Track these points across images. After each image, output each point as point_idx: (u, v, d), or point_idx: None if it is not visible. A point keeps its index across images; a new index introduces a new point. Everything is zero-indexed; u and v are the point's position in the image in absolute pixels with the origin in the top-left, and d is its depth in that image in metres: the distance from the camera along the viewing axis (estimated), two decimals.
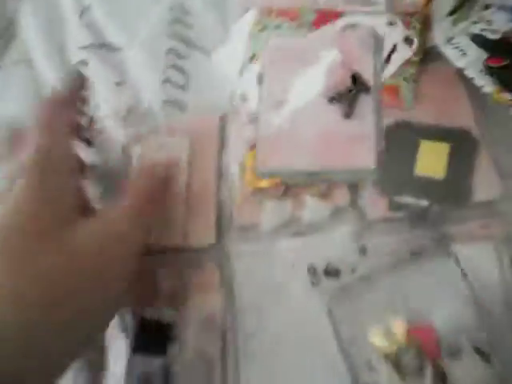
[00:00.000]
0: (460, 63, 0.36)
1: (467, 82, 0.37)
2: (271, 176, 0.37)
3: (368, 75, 0.38)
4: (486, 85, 0.35)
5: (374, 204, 0.35)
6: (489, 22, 0.37)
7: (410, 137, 0.36)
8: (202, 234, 0.37)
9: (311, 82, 0.39)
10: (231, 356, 0.34)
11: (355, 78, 0.37)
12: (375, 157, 0.35)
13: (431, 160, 0.35)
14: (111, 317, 0.31)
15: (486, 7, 0.37)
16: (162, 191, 0.34)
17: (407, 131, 0.36)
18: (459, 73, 0.37)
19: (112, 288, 0.29)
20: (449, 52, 0.37)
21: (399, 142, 0.36)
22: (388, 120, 0.37)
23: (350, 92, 0.37)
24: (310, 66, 0.40)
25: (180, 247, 0.37)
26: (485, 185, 0.34)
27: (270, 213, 0.37)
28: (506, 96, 0.34)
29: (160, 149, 0.42)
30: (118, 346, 0.36)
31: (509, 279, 0.31)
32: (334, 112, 0.37)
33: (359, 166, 0.36)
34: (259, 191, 0.37)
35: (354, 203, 0.36)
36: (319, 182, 0.37)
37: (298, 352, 0.33)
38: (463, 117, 0.36)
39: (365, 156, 0.36)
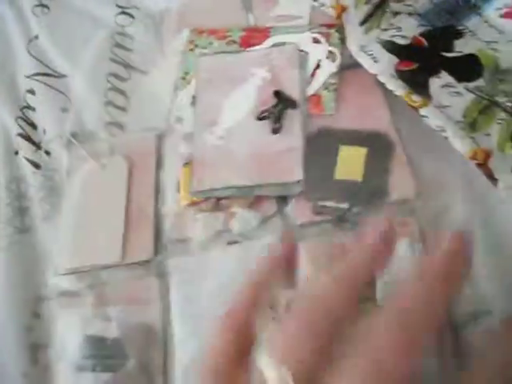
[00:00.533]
0: (373, 69, 0.37)
1: (385, 88, 0.39)
2: (206, 195, 0.38)
3: (294, 91, 0.40)
4: (397, 88, 0.36)
5: (300, 210, 0.37)
6: (398, 29, 0.39)
7: (331, 143, 0.38)
8: (141, 248, 0.39)
9: (242, 101, 0.41)
10: (171, 368, 0.35)
11: (278, 95, 0.39)
12: (302, 169, 0.37)
13: (350, 164, 0.37)
14: None
15: (395, 14, 0.39)
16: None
17: (328, 138, 0.38)
18: (377, 78, 0.39)
19: None
20: (362, 60, 0.39)
21: (321, 148, 0.38)
22: (312, 128, 0.39)
23: (276, 108, 0.39)
24: (240, 85, 0.42)
25: (119, 263, 0.38)
26: (400, 185, 0.35)
27: (203, 225, 0.38)
28: (416, 98, 0.35)
29: (102, 169, 0.43)
30: (63, 364, 0.37)
31: None
32: (264, 129, 0.39)
33: (287, 179, 0.37)
34: (192, 205, 0.39)
35: (280, 211, 0.37)
36: (251, 196, 0.38)
37: None
38: (380, 121, 0.38)
39: (292, 169, 0.37)
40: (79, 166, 0.44)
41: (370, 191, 0.35)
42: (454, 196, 0.34)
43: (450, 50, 0.37)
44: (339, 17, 0.40)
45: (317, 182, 0.37)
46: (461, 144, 0.33)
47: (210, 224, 0.38)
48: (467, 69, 0.36)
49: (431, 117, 0.34)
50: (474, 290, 0.32)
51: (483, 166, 0.32)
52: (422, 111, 0.35)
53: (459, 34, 0.37)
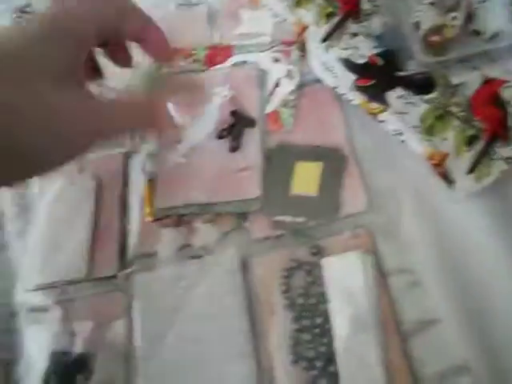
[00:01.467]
0: (333, 84, 0.39)
1: (342, 103, 0.40)
2: (168, 213, 0.39)
3: (253, 109, 0.41)
4: (355, 98, 0.38)
5: (258, 225, 0.38)
6: (356, 49, 0.41)
7: (287, 159, 0.39)
8: (106, 263, 0.40)
9: (205, 120, 0.42)
10: (134, 382, 0.36)
11: (236, 114, 0.40)
12: (260, 186, 0.38)
13: (305, 179, 0.38)
14: None
15: (353, 35, 0.41)
16: None
17: (285, 154, 0.39)
18: (335, 95, 0.40)
19: None
20: (323, 75, 0.40)
21: (278, 164, 0.39)
22: (271, 144, 0.40)
23: (233, 127, 0.40)
24: (203, 104, 0.43)
25: (85, 278, 0.39)
26: (352, 198, 0.36)
27: (166, 241, 0.39)
28: (374, 106, 0.37)
29: (71, 186, 0.44)
30: (31, 380, 0.38)
31: (372, 284, 0.33)
32: (224, 147, 0.40)
33: (246, 196, 0.38)
34: (156, 221, 0.40)
35: (239, 226, 0.38)
36: (212, 213, 0.39)
37: (193, 372, 0.35)
38: (336, 136, 0.39)
39: (251, 186, 0.38)
40: (50, 183, 0.45)
41: (324, 205, 0.36)
42: (405, 208, 0.35)
43: (404, 69, 0.39)
44: (300, 35, 0.41)
45: (274, 198, 0.38)
46: (417, 145, 0.35)
47: (173, 239, 0.39)
48: (420, 85, 0.38)
49: (389, 121, 0.36)
50: (422, 298, 0.32)
51: (439, 166, 0.34)
52: (381, 117, 0.37)
53: (411, 56, 0.38)
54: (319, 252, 0.36)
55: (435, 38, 0.37)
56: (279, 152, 0.40)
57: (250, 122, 0.40)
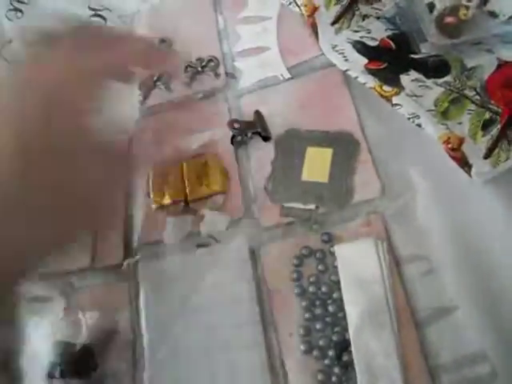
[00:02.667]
0: (344, 67, 0.38)
1: (352, 88, 0.39)
2: None
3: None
4: (369, 81, 0.37)
5: (267, 212, 0.37)
6: (367, 31, 0.39)
7: (298, 145, 0.38)
8: (111, 253, 0.39)
9: None
10: (141, 373, 0.35)
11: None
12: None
13: (316, 165, 0.37)
14: None
15: (364, 17, 0.40)
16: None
17: (296, 139, 0.38)
18: (345, 79, 0.39)
19: None
20: (333, 58, 0.39)
21: (288, 150, 0.38)
22: (279, 130, 0.39)
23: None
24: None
25: (89, 267, 0.38)
26: (365, 185, 0.35)
27: (172, 228, 0.38)
28: (387, 88, 0.36)
29: None
30: (34, 370, 0.37)
31: (386, 272, 0.32)
32: None
33: None
34: (161, 208, 0.39)
35: (248, 213, 0.37)
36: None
37: (202, 361, 0.34)
38: (347, 121, 0.38)
39: None
40: None
41: (335, 192, 0.36)
42: (420, 194, 0.34)
43: (417, 52, 0.37)
44: (311, 16, 0.40)
45: (284, 184, 0.37)
46: (434, 129, 0.33)
47: (180, 227, 0.38)
48: (435, 68, 0.37)
49: (404, 104, 0.35)
50: (437, 285, 0.32)
51: (456, 150, 0.33)
52: (395, 100, 0.35)
53: (424, 38, 0.37)
54: (331, 239, 0.35)
55: (450, 20, 0.36)
56: (289, 137, 0.39)
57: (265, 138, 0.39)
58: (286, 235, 0.36)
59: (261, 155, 0.39)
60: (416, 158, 0.35)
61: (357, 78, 0.37)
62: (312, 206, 0.36)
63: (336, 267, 0.34)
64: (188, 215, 0.38)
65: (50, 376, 0.36)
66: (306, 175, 0.37)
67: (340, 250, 0.34)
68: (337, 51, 0.39)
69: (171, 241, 0.38)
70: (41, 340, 0.38)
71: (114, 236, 0.39)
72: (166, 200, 0.39)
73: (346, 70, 0.38)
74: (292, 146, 0.38)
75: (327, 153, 0.37)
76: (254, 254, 0.36)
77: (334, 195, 0.36)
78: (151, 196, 0.39)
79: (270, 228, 0.37)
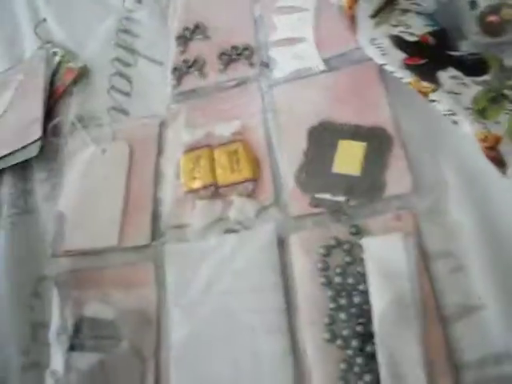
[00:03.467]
0: (381, 61, 0.37)
1: (386, 82, 0.39)
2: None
3: None
4: (406, 77, 0.36)
5: (297, 201, 0.37)
6: (407, 26, 0.39)
7: (331, 137, 0.38)
8: (137, 233, 0.39)
9: None
10: (164, 352, 0.36)
11: None
12: None
13: (348, 158, 0.37)
14: None
15: (404, 12, 0.39)
16: None
17: (328, 131, 0.38)
18: (379, 74, 0.39)
19: None
20: (371, 51, 0.38)
21: (320, 142, 0.38)
22: (312, 121, 0.39)
23: None
24: None
25: (116, 247, 0.39)
26: (397, 180, 0.35)
27: (201, 212, 0.39)
28: (425, 84, 0.35)
29: (103, 154, 0.44)
30: (57, 343, 0.38)
31: (414, 268, 0.32)
32: None
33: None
34: (191, 192, 0.39)
35: (278, 201, 0.38)
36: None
37: (225, 345, 0.35)
38: (380, 115, 0.38)
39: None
40: (81, 150, 0.45)
41: (367, 185, 0.36)
42: (453, 191, 0.34)
43: (456, 50, 0.37)
44: (350, 8, 0.40)
45: (315, 175, 0.37)
46: (471, 127, 0.33)
47: (209, 211, 0.39)
48: (473, 66, 0.36)
49: (441, 101, 0.34)
50: (465, 283, 0.32)
51: (492, 149, 0.32)
52: (432, 96, 0.35)
53: (464, 36, 0.37)
54: (359, 232, 0.35)
55: (492, 19, 0.35)
56: (322, 129, 0.39)
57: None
58: (314, 225, 0.36)
59: (293, 145, 0.39)
60: (449, 155, 0.35)
61: (393, 72, 0.37)
62: (342, 198, 0.36)
63: (363, 259, 0.34)
64: (217, 200, 0.39)
65: (73, 349, 0.37)
66: (337, 167, 0.37)
67: (368, 243, 0.34)
68: (375, 45, 0.38)
69: (200, 225, 0.38)
70: (65, 315, 0.38)
71: (143, 217, 0.40)
72: (197, 184, 0.39)
73: (383, 65, 0.38)
74: (325, 137, 0.38)
75: (360, 146, 0.37)
76: (281, 242, 0.36)
77: (365, 188, 0.36)
78: (181, 179, 0.40)
79: (298, 217, 0.37)
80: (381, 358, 0.31)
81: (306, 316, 0.34)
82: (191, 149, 0.41)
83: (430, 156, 0.36)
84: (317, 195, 0.37)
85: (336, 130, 0.38)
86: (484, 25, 0.36)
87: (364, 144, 0.37)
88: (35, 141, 0.45)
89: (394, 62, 0.37)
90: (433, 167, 0.35)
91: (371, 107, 0.38)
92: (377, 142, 0.37)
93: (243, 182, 0.38)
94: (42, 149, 0.45)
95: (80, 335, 0.37)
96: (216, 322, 0.35)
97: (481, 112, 0.34)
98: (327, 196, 0.36)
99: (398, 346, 0.31)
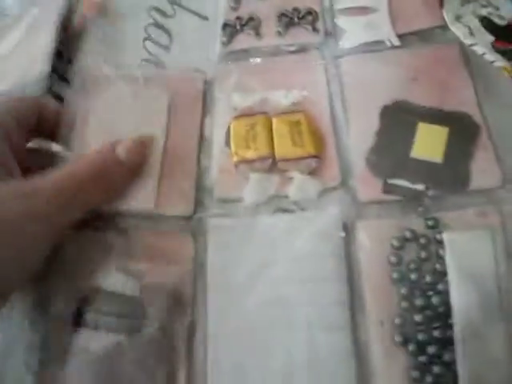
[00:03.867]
0: (469, 40, 0.35)
1: (471, 66, 0.36)
2: None
3: None
4: (497, 60, 0.34)
5: (367, 185, 0.33)
6: (496, 8, 0.36)
7: (408, 118, 0.34)
8: (178, 201, 0.34)
9: None
10: (199, 335, 0.31)
11: None
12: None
13: (429, 143, 0.33)
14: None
15: None
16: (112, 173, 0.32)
17: (405, 112, 0.35)
18: (463, 57, 0.36)
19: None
20: (457, 30, 0.36)
21: (396, 122, 0.34)
22: (384, 100, 0.35)
23: None
24: None
25: (151, 213, 0.33)
26: (484, 172, 0.32)
27: (254, 187, 0.34)
28: None
29: (135, 98, 0.37)
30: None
31: (502, 269, 0.29)
32: None
33: None
34: (244, 163, 0.34)
35: (344, 183, 0.33)
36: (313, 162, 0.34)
37: (271, 332, 0.30)
38: (465, 101, 0.34)
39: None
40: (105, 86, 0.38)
41: (450, 174, 0.32)
42: None
43: None
44: None
45: (389, 158, 0.33)
46: None
47: (263, 186, 0.34)
48: None
49: None
50: None
51: None
52: None
53: None
54: (437, 226, 0.31)
55: None
56: (397, 110, 0.35)
57: None
58: (385, 214, 0.32)
59: (363, 123, 0.35)
60: None
61: (484, 54, 0.34)
62: (421, 187, 0.32)
63: (441, 257, 0.30)
64: (275, 175, 0.34)
65: (94, 328, 0.31)
66: (416, 152, 0.33)
67: (451, 238, 0.30)
68: (461, 23, 0.36)
69: (252, 200, 0.34)
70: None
71: (185, 183, 0.34)
72: (251, 154, 0.34)
73: (472, 45, 0.35)
74: (400, 119, 0.34)
75: (442, 131, 0.33)
76: (346, 229, 0.32)
77: (448, 178, 0.32)
78: (232, 148, 0.35)
79: (368, 203, 0.33)
80: (461, 369, 0.28)
81: (373, 314, 0.30)
82: (244, 114, 0.36)
83: None
84: (391, 181, 0.33)
85: (414, 112, 0.34)
86: None
87: (446, 129, 0.33)
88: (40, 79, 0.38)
89: (483, 43, 0.34)
90: None
91: (453, 91, 0.35)
92: (461, 128, 0.33)
93: (306, 157, 0.34)
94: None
95: (100, 311, 0.31)
96: (266, 312, 0.31)
97: None
98: (404, 183, 0.32)
99: (483, 355, 0.28)
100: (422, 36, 0.38)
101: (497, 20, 0.36)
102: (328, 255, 0.32)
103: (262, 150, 0.34)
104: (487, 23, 0.36)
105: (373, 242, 0.32)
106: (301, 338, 0.30)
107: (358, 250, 0.32)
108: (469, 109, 0.34)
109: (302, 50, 0.39)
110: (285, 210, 0.34)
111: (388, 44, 0.38)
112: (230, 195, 0.34)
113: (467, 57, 0.36)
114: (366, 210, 0.33)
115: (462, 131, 0.33)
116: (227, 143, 0.35)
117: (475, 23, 0.36)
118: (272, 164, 0.34)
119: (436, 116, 0.34)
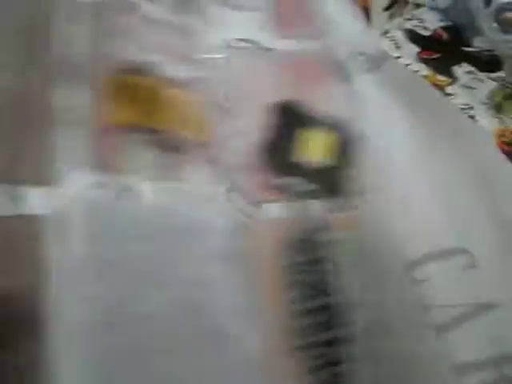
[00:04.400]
0: (395, 53, 0.37)
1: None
2: None
3: None
4: (421, 70, 0.36)
5: (257, 185, 0.31)
6: (420, 20, 0.38)
7: (293, 120, 0.33)
8: None
9: None
10: None
11: None
12: None
13: (315, 146, 0.32)
14: None
15: (417, 6, 0.39)
16: None
17: (290, 114, 0.33)
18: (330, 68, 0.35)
19: None
20: (385, 43, 0.38)
21: (282, 123, 0.33)
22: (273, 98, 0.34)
23: None
24: None
25: None
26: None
27: None
28: (441, 78, 0.35)
29: None
30: None
31: None
32: None
33: None
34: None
35: (233, 185, 0.31)
36: None
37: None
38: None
39: None
40: None
41: (335, 177, 0.32)
42: None
43: (470, 45, 0.36)
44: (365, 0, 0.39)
45: (277, 159, 0.32)
46: (488, 123, 0.33)
47: None
48: (487, 62, 0.36)
49: (457, 95, 0.35)
50: None
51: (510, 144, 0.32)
52: (448, 89, 0.35)
53: (477, 31, 0.35)
54: (327, 227, 0.29)
55: (510, 15, 0.33)
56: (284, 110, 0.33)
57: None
58: (275, 214, 0.30)
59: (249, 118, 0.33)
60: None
61: (408, 65, 0.36)
62: (310, 187, 0.31)
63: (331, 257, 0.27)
64: None
65: None
66: (301, 155, 0.32)
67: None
68: (388, 37, 0.38)
69: None
70: None
71: None
72: None
73: (398, 57, 0.37)
74: (287, 119, 0.33)
75: (326, 136, 0.32)
76: (238, 231, 0.29)
77: (333, 180, 0.32)
78: None
79: (259, 202, 0.30)
80: None
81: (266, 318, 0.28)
82: None
83: None
84: (282, 180, 0.31)
85: (298, 115, 0.33)
86: (500, 21, 0.34)
87: (330, 134, 0.32)
88: None
89: (408, 54, 0.37)
90: None
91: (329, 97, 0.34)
92: (346, 133, 0.33)
93: None
94: None
95: None
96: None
97: (497, 107, 0.34)
98: (294, 181, 0.31)
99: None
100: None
101: (422, 31, 0.37)
102: (219, 257, 0.29)
103: None
104: (412, 36, 0.37)
105: (265, 244, 0.29)
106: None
107: (251, 252, 0.29)
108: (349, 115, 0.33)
109: None
110: None
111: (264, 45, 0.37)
112: None
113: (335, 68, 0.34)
114: (256, 211, 0.30)
115: (348, 137, 0.33)
116: None
117: (401, 36, 0.38)
118: None
119: (318, 121, 0.33)
